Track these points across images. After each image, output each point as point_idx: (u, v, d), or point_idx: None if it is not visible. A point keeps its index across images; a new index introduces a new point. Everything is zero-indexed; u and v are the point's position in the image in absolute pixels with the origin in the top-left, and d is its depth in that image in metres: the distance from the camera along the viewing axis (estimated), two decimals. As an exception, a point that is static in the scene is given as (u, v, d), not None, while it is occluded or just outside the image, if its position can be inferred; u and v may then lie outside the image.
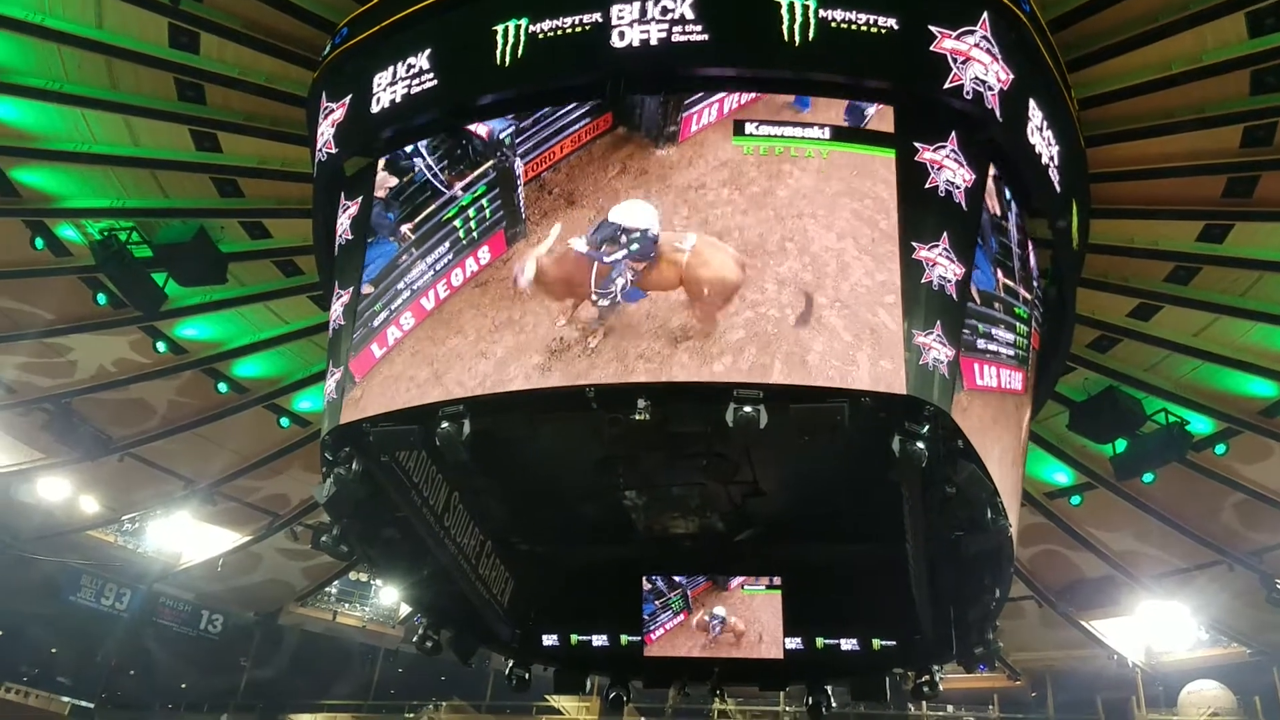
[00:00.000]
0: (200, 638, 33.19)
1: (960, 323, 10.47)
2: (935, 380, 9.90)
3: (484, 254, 11.28)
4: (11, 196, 16.32)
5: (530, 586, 16.69)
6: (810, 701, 16.91)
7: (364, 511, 13.00)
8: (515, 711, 36.00)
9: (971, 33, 10.97)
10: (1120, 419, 17.62)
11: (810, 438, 10.10)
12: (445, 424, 10.48)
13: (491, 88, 11.85)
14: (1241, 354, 16.71)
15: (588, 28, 11.19)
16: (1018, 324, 12.07)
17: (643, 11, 11.02)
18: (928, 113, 10.99)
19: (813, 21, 10.68)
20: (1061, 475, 21.04)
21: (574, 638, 16.96)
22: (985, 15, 11.09)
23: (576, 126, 11.47)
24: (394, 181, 12.33)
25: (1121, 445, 18.15)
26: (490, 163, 11.63)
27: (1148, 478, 18.90)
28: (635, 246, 10.60)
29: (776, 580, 16.15)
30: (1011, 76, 11.29)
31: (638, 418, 10.01)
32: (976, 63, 10.92)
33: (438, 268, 11.48)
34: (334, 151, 12.89)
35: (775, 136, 10.89)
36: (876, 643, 15.94)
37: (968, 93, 10.84)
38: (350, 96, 12.70)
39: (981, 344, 11.02)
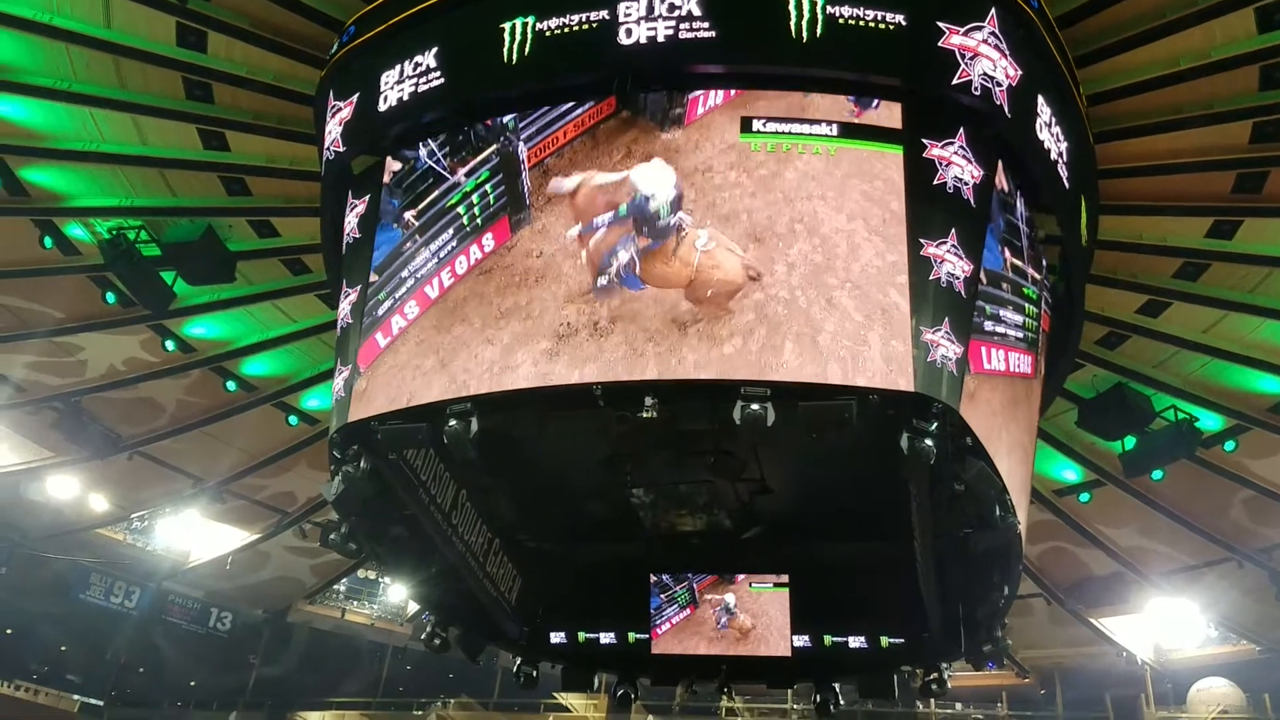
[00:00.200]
0: (209, 635, 33.30)
1: (969, 320, 10.45)
2: (943, 377, 9.88)
3: (488, 241, 11.27)
4: (20, 196, 16.38)
5: (538, 584, 16.69)
6: (818, 699, 16.87)
7: (372, 509, 13.01)
8: (523, 709, 36.03)
9: (980, 29, 10.94)
10: (1129, 416, 17.58)
11: (818, 435, 10.09)
12: (453, 422, 10.48)
13: (499, 85, 11.85)
14: (1251, 350, 16.64)
15: (595, 25, 11.19)
16: (1026, 305, 12.01)
17: (650, 8, 11.01)
18: (936, 109, 10.96)
19: (820, 18, 10.65)
20: (1070, 472, 20.99)
21: (581, 635, 16.95)
22: (993, 11, 11.06)
23: (580, 111, 11.47)
24: (398, 166, 12.35)
25: (1130, 442, 18.10)
26: (493, 148, 11.63)
27: (1157, 475, 18.86)
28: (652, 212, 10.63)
29: (784, 578, 16.12)
30: (1020, 72, 11.26)
31: (645, 415, 9.99)
32: (985, 59, 10.89)
33: (441, 255, 11.49)
34: (341, 150, 12.90)
35: (782, 134, 10.86)
36: (884, 640, 15.89)
37: (976, 89, 10.81)
38: (358, 95, 12.71)
39: (989, 326, 10.99)
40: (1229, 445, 18.46)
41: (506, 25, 11.53)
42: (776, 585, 16.09)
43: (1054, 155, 12.05)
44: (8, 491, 24.81)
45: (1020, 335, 11.74)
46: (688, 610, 16.32)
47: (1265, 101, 13.27)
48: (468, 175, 11.69)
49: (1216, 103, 13.48)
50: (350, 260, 12.88)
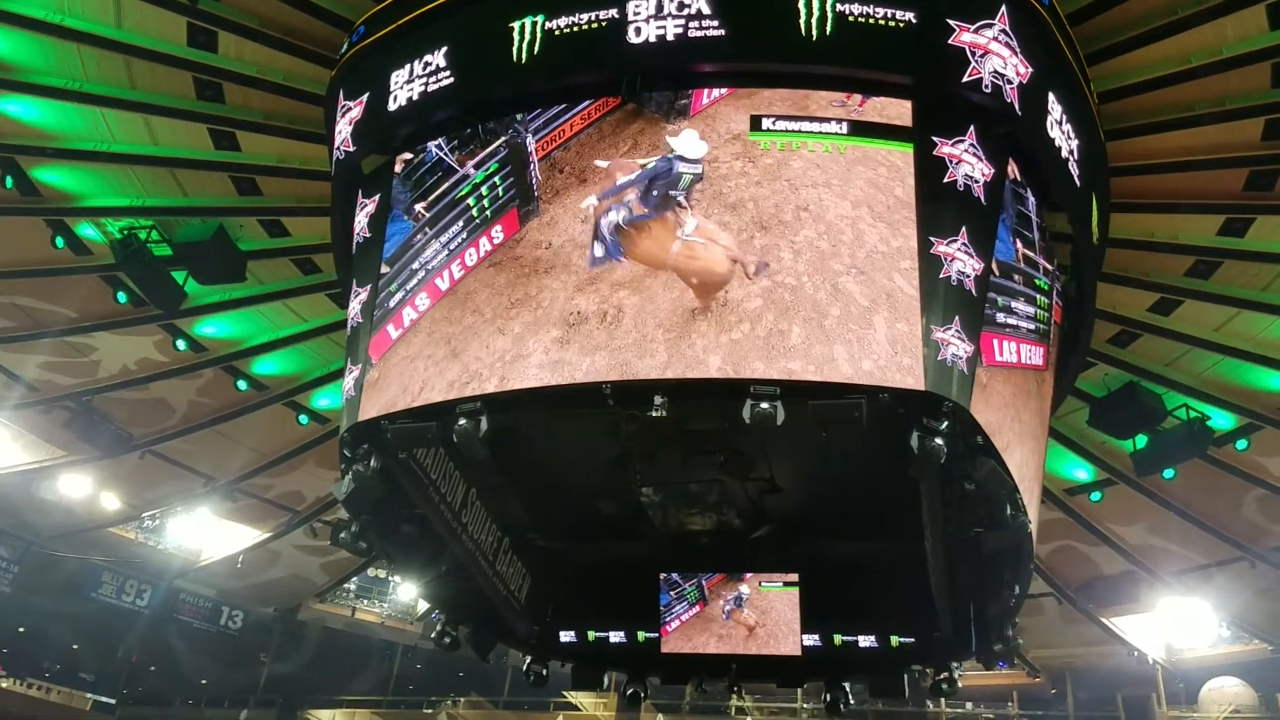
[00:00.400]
0: (221, 634, 33.40)
1: (979, 318, 10.41)
2: (954, 376, 9.85)
3: (497, 233, 11.30)
4: (32, 195, 16.45)
5: (547, 583, 16.71)
6: (828, 698, 16.86)
7: (382, 508, 13.04)
8: (533, 707, 36.10)
9: (990, 26, 10.91)
10: (1141, 415, 17.51)
11: (828, 434, 10.08)
12: (463, 421, 10.49)
13: (509, 85, 11.84)
14: (1263, 349, 16.58)
15: (604, 24, 11.19)
16: (1038, 296, 11.96)
17: (659, 7, 11.00)
18: (946, 107, 10.93)
19: (830, 16, 10.63)
20: (1082, 471, 20.93)
21: (591, 634, 16.96)
22: (1004, 9, 11.02)
23: (585, 103, 11.50)
24: (409, 157, 12.39)
25: (1142, 441, 18.05)
26: (502, 140, 11.66)
27: (1168, 474, 18.81)
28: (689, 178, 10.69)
29: (793, 576, 16.09)
30: (1030, 70, 11.21)
31: (654, 414, 10.00)
32: (995, 56, 10.85)
33: (452, 247, 11.51)
34: (352, 150, 12.92)
35: (792, 131, 10.85)
36: (895, 639, 15.84)
37: (986, 86, 10.77)
38: (367, 95, 12.72)
39: (1001, 318, 10.95)
40: (1241, 444, 18.39)
41: (516, 24, 11.52)
42: (786, 584, 16.06)
43: (1065, 153, 12.01)
44: (20, 490, 24.94)
45: (1032, 327, 11.71)
46: (697, 607, 16.31)
47: (1277, 99, 13.22)
48: (477, 167, 11.71)
49: (1228, 100, 13.44)
50: (360, 259, 12.90)
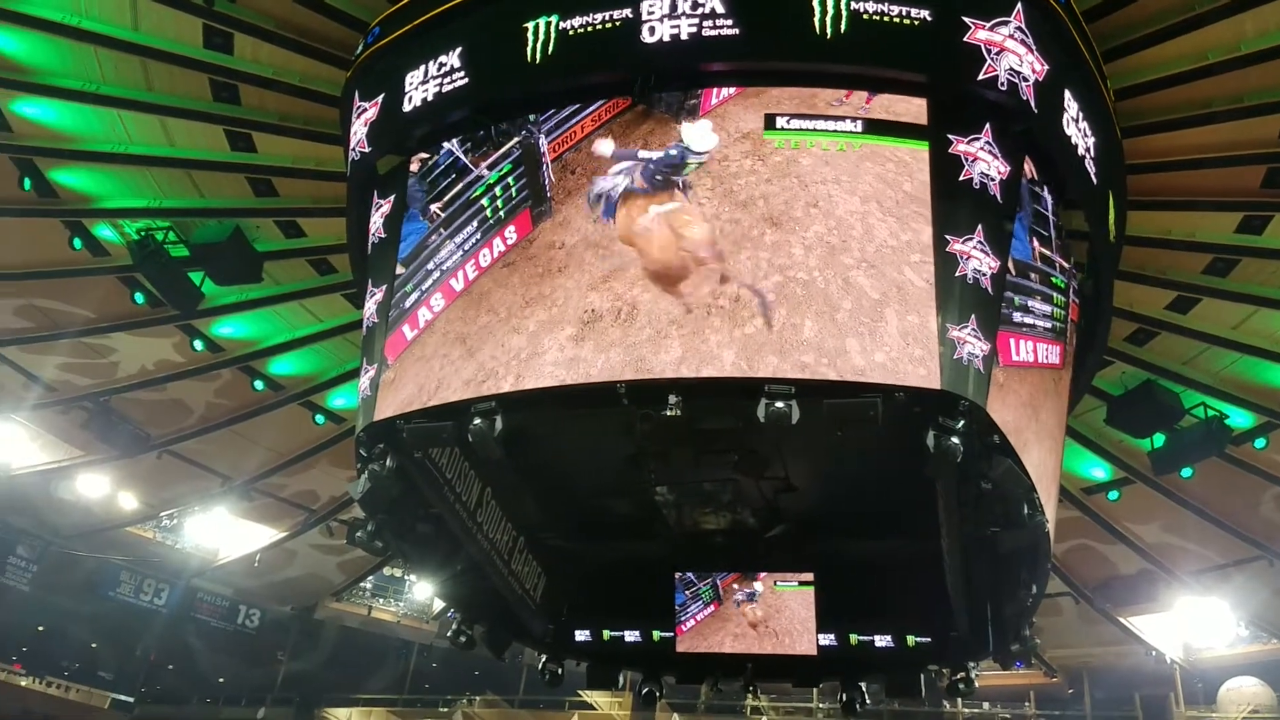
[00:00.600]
0: (238, 632, 33.59)
1: (996, 316, 10.38)
2: (970, 374, 9.82)
3: (510, 234, 11.34)
4: (50, 197, 16.56)
5: (562, 582, 16.73)
6: (844, 698, 16.83)
7: (398, 507, 13.08)
8: (548, 706, 36.11)
9: (1005, 23, 10.87)
10: (1158, 413, 17.41)
11: (843, 433, 10.07)
12: (478, 420, 10.52)
13: (523, 85, 11.87)
14: (1282, 346, 16.46)
15: (618, 23, 11.19)
16: (1055, 294, 11.91)
17: (673, 6, 11.00)
18: (962, 105, 10.90)
19: (844, 14, 10.61)
20: (1099, 470, 20.83)
21: (606, 633, 16.96)
22: (1019, 6, 10.98)
23: (596, 105, 11.53)
24: (425, 156, 12.43)
25: (1160, 440, 17.93)
26: (515, 140, 11.70)
27: (1186, 472, 18.67)
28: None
29: (808, 576, 16.07)
30: (1046, 67, 11.17)
31: (669, 413, 10.00)
32: (1011, 54, 10.81)
33: (466, 247, 11.56)
34: (367, 150, 12.96)
35: (807, 130, 10.84)
36: (911, 639, 15.78)
37: (1002, 84, 10.73)
38: (382, 95, 12.76)
39: (1018, 317, 10.93)
40: (1259, 443, 18.26)
41: (530, 25, 11.54)
42: (801, 583, 16.03)
43: (1081, 150, 11.95)
44: (39, 490, 25.11)
45: (1049, 325, 11.67)
46: (712, 607, 16.30)
47: (1296, 95, 13.13)
48: (491, 168, 11.76)
49: (1246, 96, 13.34)
50: (376, 260, 12.94)
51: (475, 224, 11.62)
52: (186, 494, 25.64)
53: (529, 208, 11.37)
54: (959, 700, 29.33)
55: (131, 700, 37.54)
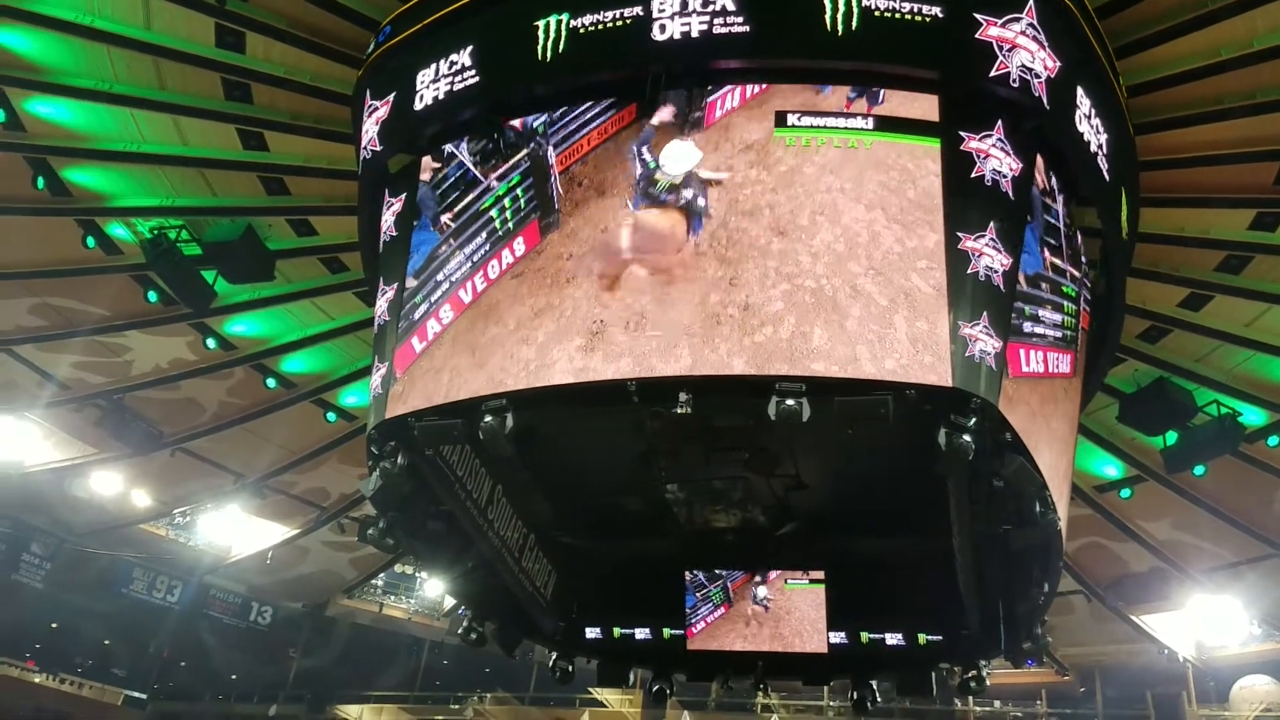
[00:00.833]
0: (250, 629, 33.67)
1: (1008, 314, 10.35)
2: (982, 372, 9.81)
3: (519, 245, 11.36)
4: (63, 196, 16.65)
5: (573, 579, 16.75)
6: (855, 696, 16.82)
7: (409, 505, 13.11)
8: (559, 703, 36.13)
9: (1017, 20, 10.83)
10: (1171, 411, 17.35)
11: (854, 430, 10.06)
12: (489, 418, 10.54)
13: (533, 83, 11.91)
14: (1295, 344, 16.38)
15: (629, 21, 11.19)
16: (1065, 303, 11.89)
17: (683, 4, 11.01)
18: (973, 101, 10.87)
19: (855, 11, 10.59)
20: (1111, 468, 20.75)
21: (616, 631, 16.99)
22: (1031, 2, 10.94)
23: (602, 119, 11.54)
24: (436, 165, 12.45)
25: (1172, 437, 17.87)
26: (524, 152, 11.70)
27: (1199, 470, 18.61)
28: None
29: (819, 574, 16.05)
30: (1059, 64, 11.14)
31: (679, 411, 10.00)
32: (1023, 50, 10.78)
33: (475, 259, 11.56)
34: (378, 149, 12.99)
35: (818, 127, 10.83)
36: (922, 637, 15.76)
37: (1014, 81, 10.70)
38: (394, 94, 12.79)
39: (1028, 327, 10.89)
40: (1272, 440, 18.16)
41: (541, 23, 11.56)
42: (812, 581, 16.02)
43: (1094, 147, 11.92)
44: (52, 487, 25.25)
45: (1059, 335, 11.64)
46: (722, 609, 16.30)
47: (1310, 92, 13.06)
48: (500, 179, 11.77)
49: (1259, 93, 13.28)
50: (387, 258, 12.97)
51: (484, 235, 11.63)
52: (199, 491, 25.75)
53: (537, 219, 11.38)
54: (970, 698, 29.27)
55: (144, 697, 37.68)
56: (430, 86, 12.34)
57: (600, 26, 11.31)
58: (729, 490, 13.89)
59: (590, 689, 33.63)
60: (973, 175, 10.55)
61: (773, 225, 10.42)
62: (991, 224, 10.35)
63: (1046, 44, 11.03)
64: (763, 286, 10.08)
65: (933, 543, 12.86)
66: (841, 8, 10.62)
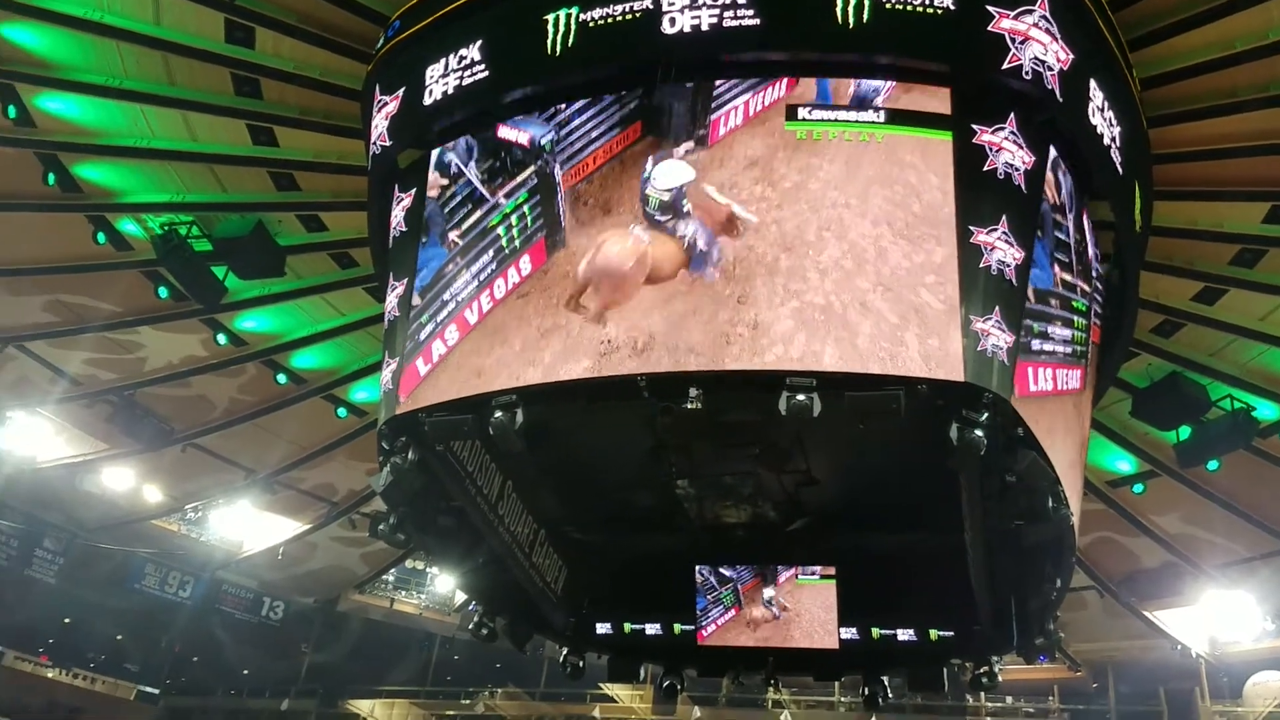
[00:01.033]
0: (262, 624, 33.77)
1: (1021, 308, 10.30)
2: (994, 367, 9.76)
3: (525, 264, 11.30)
4: (74, 192, 16.68)
5: (583, 575, 16.73)
6: (866, 692, 16.78)
7: (420, 500, 13.11)
8: (570, 699, 36.21)
9: (1030, 12, 10.76)
10: (1184, 405, 17.27)
11: (865, 425, 10.01)
12: (499, 413, 10.52)
13: (543, 77, 11.88)
14: (1310, 338, 16.26)
15: (638, 15, 11.16)
16: (1075, 318, 11.82)
17: (694, -4, 10.96)
18: (986, 94, 10.81)
19: (867, 3, 10.53)
20: (1124, 463, 20.65)
21: (627, 626, 16.96)
22: (1043, -6, 10.88)
23: (608, 137, 11.50)
24: (444, 182, 12.39)
25: (1185, 432, 17.79)
26: (531, 170, 11.65)
27: (1213, 465, 18.47)
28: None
29: (830, 570, 16.01)
30: (1071, 56, 11.06)
31: (690, 406, 9.97)
32: (1035, 43, 10.71)
33: (481, 278, 11.49)
34: (388, 144, 12.98)
35: (829, 121, 10.78)
36: (934, 633, 15.71)
37: (1027, 73, 10.64)
38: (403, 89, 12.77)
39: (1037, 345, 10.77)
40: (1287, 434, 18.06)
41: (550, 17, 11.53)
42: (823, 577, 15.97)
43: (1107, 140, 11.85)
44: (64, 483, 25.36)
45: (1069, 351, 11.57)
46: (733, 611, 16.27)
47: (1325, 83, 12.95)
48: (507, 197, 11.72)
49: (1274, 85, 13.17)
50: (396, 253, 12.96)
51: (491, 253, 11.56)
52: (210, 487, 25.83)
53: (544, 237, 11.33)
54: (982, 694, 29.22)
55: (157, 692, 37.86)
56: (440, 81, 12.32)
57: (610, 20, 11.27)
58: (740, 486, 13.86)
59: (601, 684, 33.70)
60: (985, 169, 10.49)
61: (779, 241, 10.38)
62: (1004, 217, 10.29)
63: (1059, 36, 10.96)
64: (771, 304, 10.01)
65: (944, 538, 12.81)
66: (853, 0, 10.56)
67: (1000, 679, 15.86)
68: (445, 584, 34.40)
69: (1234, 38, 12.80)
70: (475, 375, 11.01)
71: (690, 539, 15.64)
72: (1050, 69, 10.81)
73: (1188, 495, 20.34)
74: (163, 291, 18.50)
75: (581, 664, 17.57)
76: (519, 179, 11.71)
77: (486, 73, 11.99)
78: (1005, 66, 10.62)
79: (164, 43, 14.40)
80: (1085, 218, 12.42)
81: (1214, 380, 17.42)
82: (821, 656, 16.19)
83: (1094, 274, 12.80)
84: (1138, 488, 20.77)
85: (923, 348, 9.65)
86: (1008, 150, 10.56)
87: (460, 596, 33.75)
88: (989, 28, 10.65)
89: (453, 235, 11.95)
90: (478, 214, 11.86)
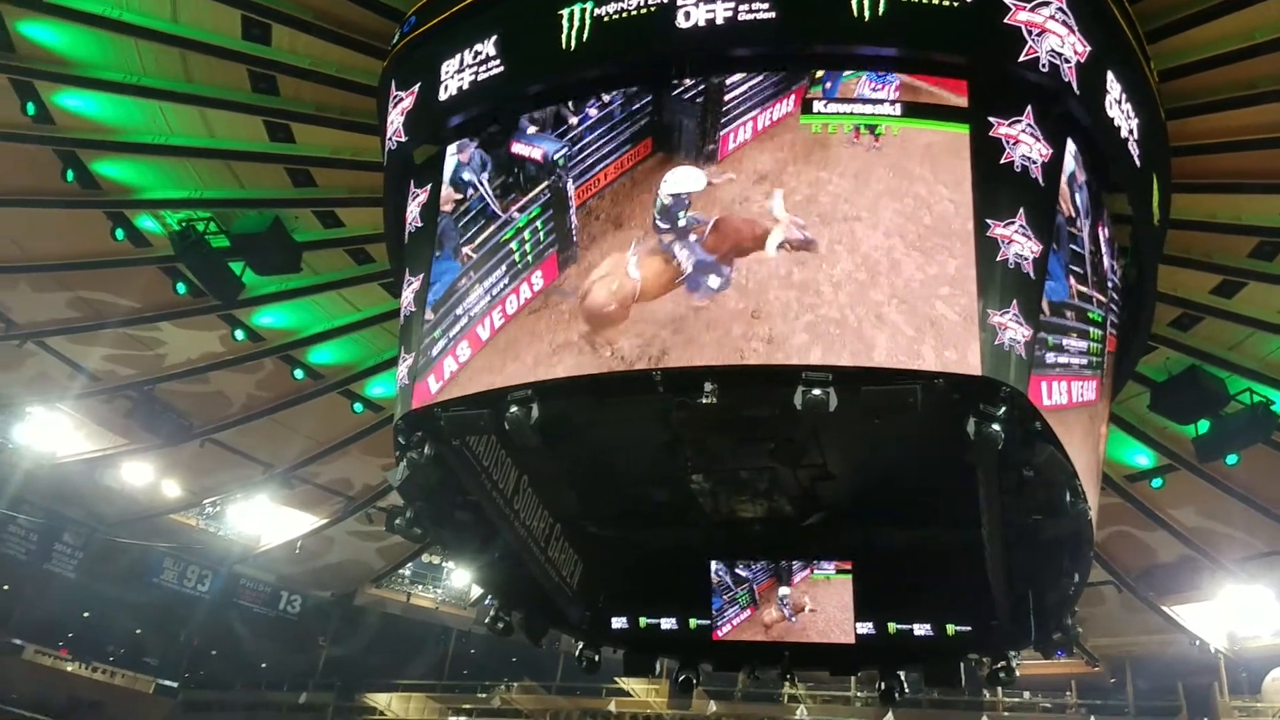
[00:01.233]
0: (280, 618, 34.02)
1: (1038, 301, 10.24)
2: (1011, 360, 9.71)
3: (537, 279, 11.26)
4: (92, 189, 16.79)
5: (599, 569, 16.75)
6: (882, 687, 16.76)
7: (436, 494, 13.15)
8: (585, 693, 36.36)
9: (1046, 4, 10.68)
10: (1203, 399, 17.17)
11: (881, 420, 9.99)
12: (514, 408, 10.54)
13: (558, 72, 11.85)
14: (1330, 331, 16.16)
15: (653, 9, 11.11)
16: (1091, 329, 11.72)
17: (709, -10, 10.94)
18: (1002, 87, 10.75)
19: (882, -4, 10.50)
20: (1142, 457, 20.56)
21: (643, 621, 16.98)
22: (1060, -15, 10.81)
23: (619, 153, 11.45)
24: (458, 197, 12.40)
25: (1204, 426, 17.69)
26: (544, 184, 11.63)
27: (1232, 459, 18.38)
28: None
29: (846, 565, 15.98)
30: (1088, 48, 10.99)
31: (705, 401, 9.97)
32: (1052, 35, 10.63)
33: (494, 293, 11.44)
34: (404, 140, 13.00)
35: (844, 114, 10.75)
36: (951, 628, 15.66)
37: (1043, 65, 10.57)
38: (419, 85, 12.78)
39: (1051, 358, 10.68)
40: (1307, 428, 17.93)
41: (565, 11, 11.50)
42: (839, 571, 15.95)
43: (1124, 132, 11.76)
44: (84, 478, 25.58)
45: (1084, 362, 11.47)
46: (748, 611, 16.27)
47: (1346, 74, 12.83)
48: (520, 211, 11.70)
49: (1293, 76, 13.08)
50: (413, 249, 12.98)
51: (504, 268, 11.51)
52: (228, 482, 25.99)
53: (556, 252, 11.30)
54: (999, 689, 29.15)
55: (175, 685, 38.19)
56: (455, 77, 12.32)
57: (624, 14, 11.23)
58: (755, 480, 13.84)
59: (617, 678, 33.83)
60: (1002, 161, 10.43)
61: (791, 255, 10.34)
62: (1021, 210, 10.24)
63: (1076, 28, 10.87)
64: (786, 318, 9.97)
65: (961, 533, 12.78)
66: (869, -8, 10.52)
67: (1017, 674, 15.81)
68: (461, 578, 34.52)
69: (1253, 29, 12.67)
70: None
71: (705, 534, 15.64)
72: (1067, 61, 10.74)
73: (1206, 489, 20.25)
74: (181, 287, 18.60)
75: (597, 658, 17.59)
76: (532, 194, 11.68)
77: (502, 68, 11.98)
78: (1022, 59, 10.54)
79: (181, 40, 14.45)
80: (1101, 228, 12.32)
81: (1233, 374, 17.30)
82: (838, 651, 16.18)
83: (1109, 284, 12.72)
84: (1156, 482, 20.68)
85: (939, 359, 9.59)
86: (1025, 143, 10.50)
87: (476, 591, 33.87)
88: (1005, 20, 10.57)
89: (466, 249, 11.95)
90: (491, 229, 11.85)
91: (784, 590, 16.09)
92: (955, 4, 10.53)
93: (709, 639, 16.45)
